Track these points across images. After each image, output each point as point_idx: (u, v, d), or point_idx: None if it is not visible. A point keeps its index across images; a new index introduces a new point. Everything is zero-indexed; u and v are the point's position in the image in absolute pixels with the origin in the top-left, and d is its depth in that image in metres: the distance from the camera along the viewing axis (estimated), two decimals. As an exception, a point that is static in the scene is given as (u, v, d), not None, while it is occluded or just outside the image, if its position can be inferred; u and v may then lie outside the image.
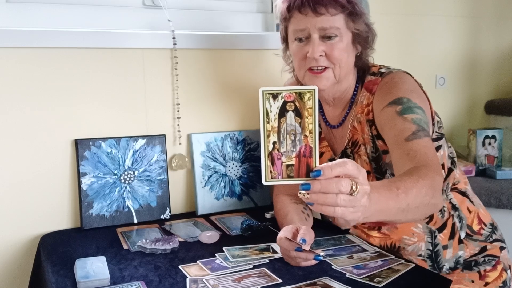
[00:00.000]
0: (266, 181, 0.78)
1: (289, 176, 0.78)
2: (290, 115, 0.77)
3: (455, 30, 2.09)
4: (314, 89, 0.76)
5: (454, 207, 1.24)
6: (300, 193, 0.76)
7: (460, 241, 1.23)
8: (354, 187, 0.74)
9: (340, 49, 1.15)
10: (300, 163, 0.77)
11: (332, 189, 0.73)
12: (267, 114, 0.77)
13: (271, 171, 0.78)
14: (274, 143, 0.77)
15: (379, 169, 1.20)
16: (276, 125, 0.77)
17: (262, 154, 0.77)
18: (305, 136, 0.77)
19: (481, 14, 2.14)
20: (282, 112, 0.77)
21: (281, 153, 0.77)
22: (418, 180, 0.90)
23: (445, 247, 1.21)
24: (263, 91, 0.76)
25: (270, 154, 0.77)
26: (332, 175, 0.74)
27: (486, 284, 1.20)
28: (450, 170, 1.24)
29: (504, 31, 2.22)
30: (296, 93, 0.76)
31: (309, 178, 0.76)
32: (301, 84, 1.27)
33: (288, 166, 0.77)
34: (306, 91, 0.76)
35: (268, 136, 0.77)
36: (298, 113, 0.76)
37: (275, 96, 0.76)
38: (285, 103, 0.76)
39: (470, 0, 2.10)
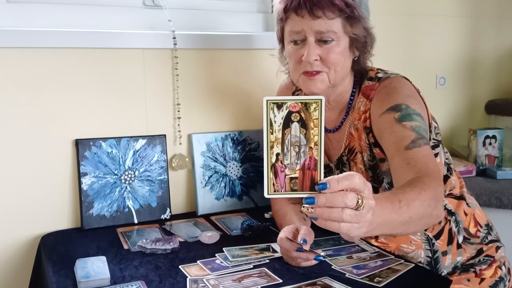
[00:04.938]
0: (268, 194, 0.74)
1: (292, 189, 0.74)
2: (295, 126, 0.73)
3: (455, 30, 2.09)
4: (321, 100, 0.73)
5: (450, 212, 1.23)
6: (303, 207, 0.73)
7: (459, 246, 1.22)
8: (360, 201, 0.71)
9: (337, 52, 1.11)
10: (304, 176, 0.74)
11: (337, 203, 0.70)
12: (271, 125, 0.73)
13: (273, 184, 0.74)
14: (277, 154, 0.74)
15: (375, 177, 1.18)
16: (280, 136, 0.73)
17: (264, 166, 0.74)
18: (310, 148, 0.73)
19: (481, 14, 2.14)
20: (287, 122, 0.73)
21: (284, 165, 0.74)
22: (421, 191, 0.88)
23: (444, 253, 1.21)
24: (267, 100, 0.73)
25: (273, 166, 0.74)
26: (338, 188, 0.71)
27: (482, 280, 1.20)
28: (447, 177, 1.23)
29: (504, 31, 2.21)
30: (301, 103, 0.73)
31: (313, 192, 0.73)
32: (296, 87, 1.26)
33: (291, 179, 0.74)
34: (312, 101, 0.73)
35: (272, 147, 0.73)
36: (303, 124, 0.73)
37: (279, 106, 0.73)
38: (290, 113, 0.73)
39: (470, 0, 2.10)
